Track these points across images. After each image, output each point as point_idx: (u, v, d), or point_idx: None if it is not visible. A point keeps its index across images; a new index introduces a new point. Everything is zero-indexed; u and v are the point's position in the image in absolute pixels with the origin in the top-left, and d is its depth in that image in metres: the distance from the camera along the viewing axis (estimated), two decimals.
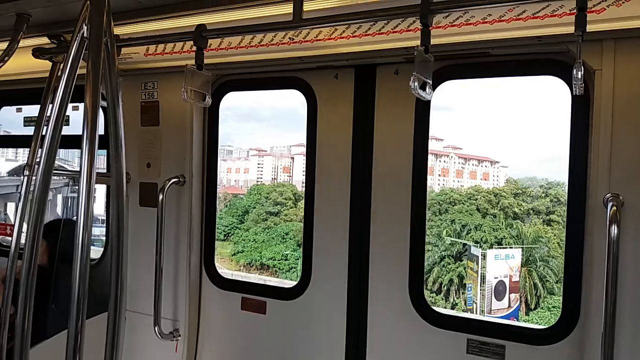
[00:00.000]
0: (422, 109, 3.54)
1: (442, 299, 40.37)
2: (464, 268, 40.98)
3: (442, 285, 41.34)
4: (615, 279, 2.67)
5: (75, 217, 1.76)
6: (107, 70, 1.88)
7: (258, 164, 59.51)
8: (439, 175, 51.24)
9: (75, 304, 1.67)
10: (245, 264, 45.62)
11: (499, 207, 43.59)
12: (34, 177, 3.01)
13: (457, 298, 41.07)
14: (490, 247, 40.90)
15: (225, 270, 34.41)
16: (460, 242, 41.86)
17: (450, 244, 42.07)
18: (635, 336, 2.85)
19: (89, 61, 1.76)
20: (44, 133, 5.17)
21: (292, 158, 57.75)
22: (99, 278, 3.96)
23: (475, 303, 38.95)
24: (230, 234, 48.65)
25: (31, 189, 3.18)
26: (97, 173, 1.82)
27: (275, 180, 57.19)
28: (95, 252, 4.46)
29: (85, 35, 1.81)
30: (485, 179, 51.36)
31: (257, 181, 57.78)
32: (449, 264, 41.86)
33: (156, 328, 4.10)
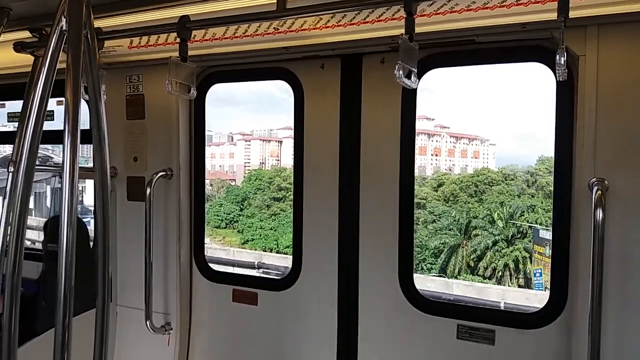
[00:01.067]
0: (409, 98, 3.55)
1: (496, 285, 38.35)
2: (520, 252, 39.55)
3: (496, 270, 39.79)
4: (601, 263, 2.70)
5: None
6: (88, 63, 1.86)
7: (245, 148, 58.61)
8: (432, 155, 51.23)
9: (61, 300, 1.65)
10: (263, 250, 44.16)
11: (535, 186, 42.60)
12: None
13: (512, 284, 39.40)
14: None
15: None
16: (527, 225, 40.00)
17: (503, 227, 40.44)
18: (622, 318, 2.90)
19: (68, 54, 1.73)
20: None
21: (280, 142, 56.94)
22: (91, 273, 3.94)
23: (548, 289, 37.00)
24: (233, 222, 47.33)
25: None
26: (81, 168, 1.80)
27: (264, 165, 56.15)
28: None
29: (64, 28, 1.78)
30: (475, 157, 51.42)
31: (245, 166, 56.73)
32: (503, 248, 40.18)
33: (148, 322, 4.10)
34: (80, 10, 1.79)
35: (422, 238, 40.79)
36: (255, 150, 58.22)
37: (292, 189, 4.08)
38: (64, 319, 1.66)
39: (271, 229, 45.18)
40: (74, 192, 1.71)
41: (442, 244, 40.52)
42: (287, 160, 54.42)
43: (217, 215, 47.11)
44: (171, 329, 4.32)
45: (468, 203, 42.77)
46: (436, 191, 44.13)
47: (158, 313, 4.30)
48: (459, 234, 40.66)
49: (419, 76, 3.16)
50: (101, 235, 2.02)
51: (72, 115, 1.71)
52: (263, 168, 54.74)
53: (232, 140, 60.08)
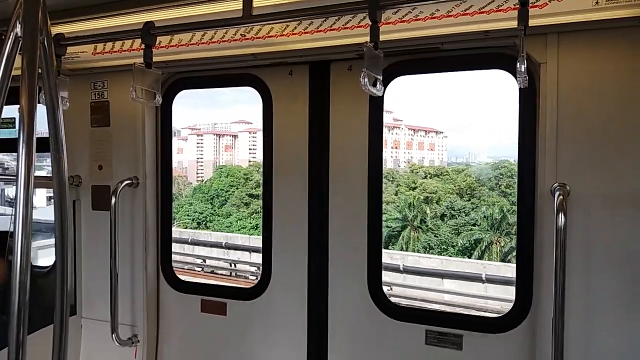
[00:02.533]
0: (376, 104, 3.57)
1: None
2: None
3: None
4: (564, 266, 2.75)
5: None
6: (44, 70, 1.80)
7: (197, 143, 57.01)
8: (392, 147, 51.42)
9: (15, 315, 1.59)
10: None
11: None
12: None
13: None
14: None
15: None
16: None
17: None
18: (585, 321, 2.96)
19: (23, 61, 1.68)
20: None
21: (235, 136, 55.61)
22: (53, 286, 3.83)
23: None
24: (206, 221, 44.74)
25: None
26: (40, 177, 1.74)
27: (218, 160, 54.45)
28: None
29: (19, 34, 1.73)
30: (431, 149, 51.86)
31: (198, 161, 55.08)
32: None
33: (114, 335, 4.00)
34: (36, 15, 1.73)
35: (446, 235, 39.32)
36: (208, 145, 56.34)
37: (262, 197, 4.05)
38: (18, 335, 1.59)
39: (254, 227, 42.37)
40: (29, 203, 1.65)
41: (472, 241, 38.17)
42: (243, 155, 53.08)
43: (188, 215, 44.98)
44: (138, 341, 4.23)
45: (491, 197, 41.19)
46: (449, 184, 42.60)
47: (125, 325, 4.19)
48: (490, 230, 38.16)
49: (385, 84, 3.19)
50: (59, 247, 1.95)
51: (27, 123, 1.65)
52: (217, 163, 52.76)
53: (179, 135, 57.69)
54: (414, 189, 42.55)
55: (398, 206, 41.37)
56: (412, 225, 39.71)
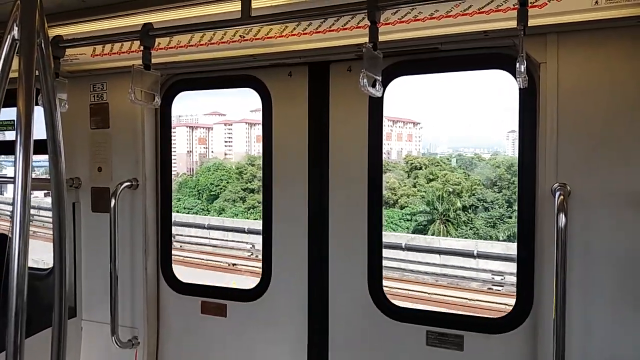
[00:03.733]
0: (376, 105, 3.56)
1: None
2: None
3: None
4: (564, 266, 2.74)
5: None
6: (42, 72, 1.80)
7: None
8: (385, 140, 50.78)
9: (12, 318, 1.58)
10: None
11: None
12: None
13: None
14: None
15: None
16: None
17: None
18: (586, 321, 2.95)
19: (20, 63, 1.67)
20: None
21: (210, 128, 53.91)
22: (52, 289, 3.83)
23: None
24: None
25: None
26: (39, 179, 1.74)
27: (192, 153, 52.36)
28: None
29: (16, 37, 1.72)
30: (409, 141, 51.46)
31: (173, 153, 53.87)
32: None
33: (114, 337, 3.99)
34: (33, 18, 1.73)
35: (484, 229, 37.70)
36: (181, 137, 53.90)
37: (262, 198, 4.04)
38: (16, 338, 1.58)
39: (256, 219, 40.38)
40: (26, 206, 1.64)
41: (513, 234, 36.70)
42: (219, 148, 51.29)
43: (178, 211, 42.98)
44: (138, 343, 4.22)
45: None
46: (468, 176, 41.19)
47: (125, 327, 4.19)
48: None
49: (384, 85, 3.18)
50: (57, 249, 1.95)
51: (24, 125, 1.65)
52: (249, 155, 50.47)
53: None
54: (431, 180, 40.89)
55: (422, 198, 39.77)
56: (442, 219, 38.06)
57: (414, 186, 41.10)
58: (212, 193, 44.31)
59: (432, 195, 39.12)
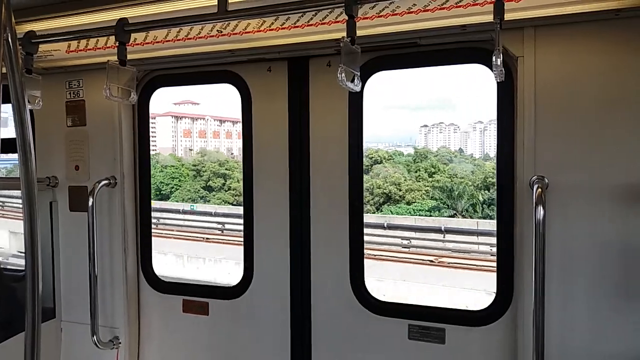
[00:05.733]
0: (356, 100, 3.55)
1: None
2: None
3: None
4: (543, 259, 2.77)
5: None
6: (8, 68, 1.75)
7: None
8: None
9: None
10: None
11: None
12: None
13: None
14: None
15: None
16: None
17: None
18: (565, 312, 2.99)
19: None
20: None
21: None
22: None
23: None
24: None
25: None
26: (8, 178, 1.69)
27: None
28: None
29: None
30: None
31: None
32: None
33: (94, 337, 3.94)
34: None
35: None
36: None
37: (242, 195, 4.01)
38: None
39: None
40: None
41: None
42: (164, 143, 49.66)
43: None
44: (120, 343, 4.17)
45: None
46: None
47: (105, 327, 4.14)
48: None
49: (363, 80, 3.17)
50: (29, 250, 1.90)
51: None
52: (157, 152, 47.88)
53: None
54: (432, 174, 40.25)
55: (426, 193, 38.90)
56: (461, 215, 36.72)
57: (417, 180, 40.70)
58: (160, 194, 41.93)
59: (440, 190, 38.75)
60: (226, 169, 43.23)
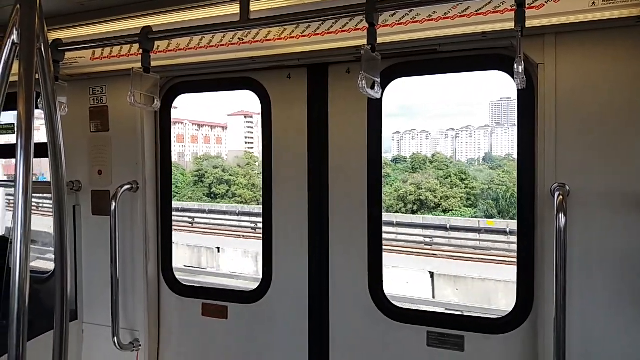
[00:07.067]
0: (375, 106, 3.57)
1: None
2: None
3: None
4: (564, 266, 2.75)
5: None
6: (42, 76, 1.81)
7: None
8: None
9: (15, 322, 1.59)
10: None
11: None
12: None
13: None
14: None
15: None
16: None
17: None
18: (586, 320, 2.96)
19: (20, 68, 1.68)
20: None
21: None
22: (53, 292, 3.84)
23: None
24: None
25: None
26: (39, 182, 1.74)
27: None
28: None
29: (16, 41, 1.73)
30: None
31: None
32: None
33: (115, 339, 4.00)
34: (33, 22, 1.74)
35: None
36: None
37: (262, 200, 4.05)
38: (18, 342, 1.59)
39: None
40: (27, 209, 1.65)
41: None
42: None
43: None
44: (140, 345, 4.22)
45: None
46: None
47: (126, 330, 4.20)
48: None
49: (383, 86, 3.19)
50: (59, 252, 1.95)
51: (24, 129, 1.66)
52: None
53: None
54: (463, 180, 39.22)
55: (467, 199, 38.05)
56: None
57: (451, 187, 39.85)
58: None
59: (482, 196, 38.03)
60: (230, 175, 42.57)
